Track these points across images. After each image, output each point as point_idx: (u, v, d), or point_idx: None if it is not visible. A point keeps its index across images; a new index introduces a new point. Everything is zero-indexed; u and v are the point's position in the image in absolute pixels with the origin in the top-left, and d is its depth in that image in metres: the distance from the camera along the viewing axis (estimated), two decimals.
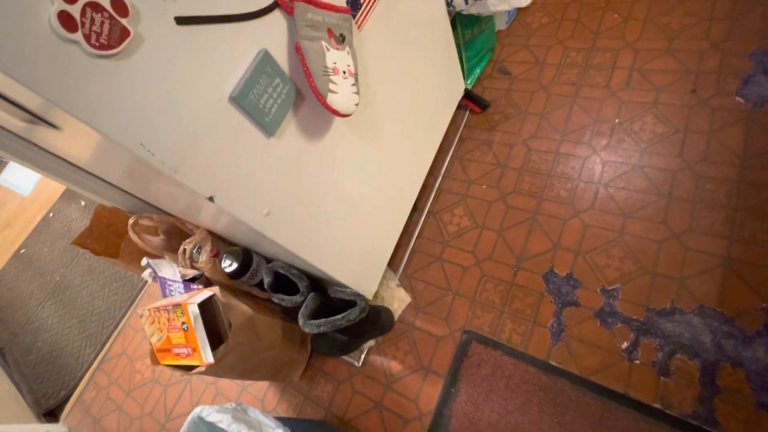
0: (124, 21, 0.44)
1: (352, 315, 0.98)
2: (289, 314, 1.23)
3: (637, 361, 0.97)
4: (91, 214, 1.22)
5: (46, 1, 0.39)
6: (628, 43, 1.41)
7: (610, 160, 1.23)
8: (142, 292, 1.80)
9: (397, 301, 1.26)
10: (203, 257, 1.11)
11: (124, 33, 0.45)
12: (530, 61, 1.53)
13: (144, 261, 1.20)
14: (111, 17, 0.43)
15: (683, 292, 1.00)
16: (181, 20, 0.50)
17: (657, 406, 0.91)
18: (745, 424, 0.85)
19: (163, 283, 1.09)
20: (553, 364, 1.03)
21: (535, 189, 1.28)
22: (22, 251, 2.25)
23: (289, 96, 0.68)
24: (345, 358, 1.25)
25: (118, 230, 1.31)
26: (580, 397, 0.97)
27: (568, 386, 1.00)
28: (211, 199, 0.61)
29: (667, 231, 1.08)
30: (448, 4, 1.17)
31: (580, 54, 1.46)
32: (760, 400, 0.85)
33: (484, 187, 1.35)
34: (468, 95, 1.47)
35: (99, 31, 0.42)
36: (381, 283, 1.25)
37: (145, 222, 1.14)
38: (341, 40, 0.71)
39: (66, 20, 0.40)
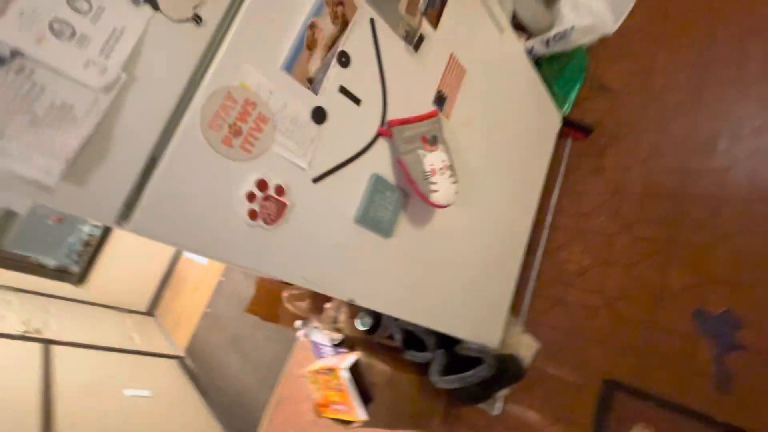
0: (283, 198, 0.62)
1: (481, 372, 1.03)
2: (422, 366, 1.34)
3: None
4: (251, 279, 1.55)
5: (240, 205, 0.58)
6: (754, 28, 1.20)
7: (761, 168, 1.06)
8: (296, 345, 2.13)
9: (524, 347, 1.26)
10: (342, 318, 1.30)
11: (284, 206, 0.62)
12: (633, 70, 1.41)
13: (298, 326, 1.45)
14: (276, 200, 0.61)
15: None
16: (316, 179, 0.67)
17: None
18: None
19: (315, 346, 1.31)
20: (719, 420, 0.91)
21: (665, 214, 1.16)
22: (208, 311, 2.87)
23: (399, 201, 0.81)
24: (480, 405, 1.29)
25: (275, 297, 1.61)
26: None
27: None
28: (351, 301, 0.75)
29: None
30: (529, 52, 1.18)
31: (690, 52, 1.30)
32: None
33: (602, 218, 1.28)
34: (567, 123, 1.43)
35: (270, 212, 0.60)
36: (505, 330, 1.27)
37: (295, 291, 1.40)
38: (434, 141, 0.82)
39: (251, 214, 0.59)
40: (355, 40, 0.70)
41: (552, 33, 1.12)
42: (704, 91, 1.23)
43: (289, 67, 0.62)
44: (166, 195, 0.51)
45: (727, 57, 1.23)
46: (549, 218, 1.40)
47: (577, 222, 1.33)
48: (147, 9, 0.48)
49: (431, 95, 0.87)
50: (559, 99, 1.43)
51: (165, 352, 3.00)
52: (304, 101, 0.64)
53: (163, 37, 0.50)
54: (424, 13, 0.82)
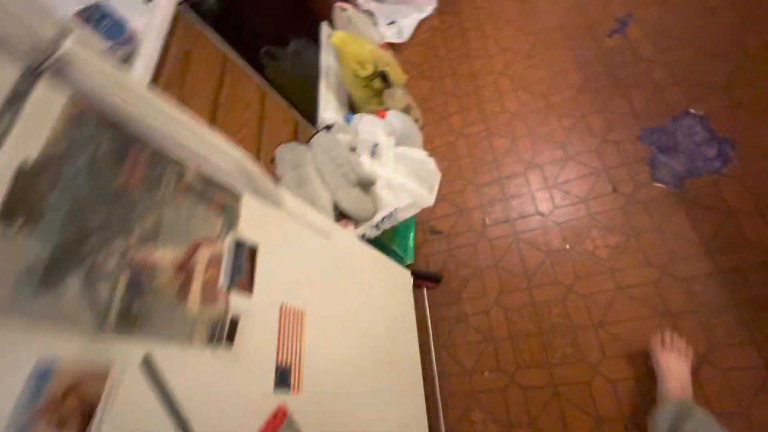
0: None
1: None
2: None
3: None
4: None
5: None
6: (529, 162, 1.44)
7: (589, 292, 1.17)
8: None
9: None
10: None
11: None
12: (453, 212, 1.51)
13: None
14: None
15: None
16: None
17: None
18: None
19: None
20: None
21: (538, 355, 1.16)
22: None
23: None
24: None
25: None
26: None
27: None
28: None
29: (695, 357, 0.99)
30: (362, 237, 1.10)
31: (493, 188, 1.47)
32: None
33: (486, 373, 1.21)
34: (416, 275, 1.39)
35: None
36: None
37: None
38: None
39: None
40: (120, 414, 0.42)
41: (378, 217, 1.07)
42: (516, 225, 1.37)
43: None
44: None
45: (519, 191, 1.41)
46: (437, 383, 1.27)
47: (465, 382, 1.23)
48: None
49: (270, 381, 0.63)
50: (401, 253, 1.39)
51: None
52: None
53: None
54: (231, 288, 0.61)
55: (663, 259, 1.11)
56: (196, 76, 1.13)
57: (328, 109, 1.77)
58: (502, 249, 1.35)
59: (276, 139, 1.38)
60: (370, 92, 1.78)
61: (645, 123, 1.30)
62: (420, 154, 1.12)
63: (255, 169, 0.72)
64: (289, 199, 0.83)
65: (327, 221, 0.96)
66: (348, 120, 1.60)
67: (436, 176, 1.13)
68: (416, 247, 1.51)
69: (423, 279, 1.40)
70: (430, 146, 1.70)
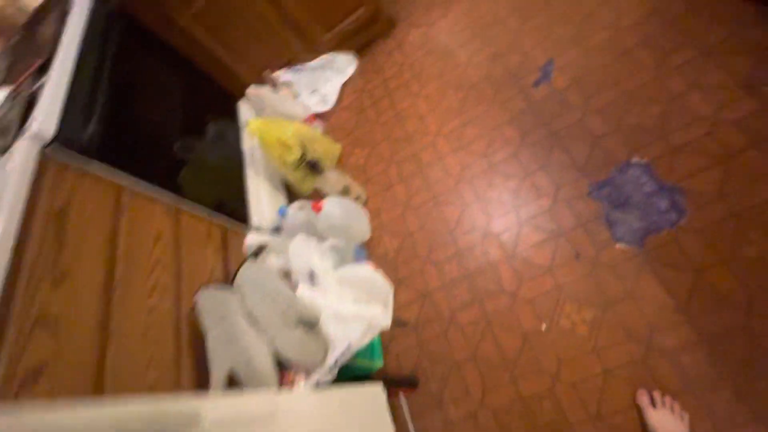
0: None
1: None
2: None
3: None
4: None
5: None
6: (484, 231, 1.35)
7: (578, 379, 1.06)
8: None
9: None
10: None
11: None
12: (415, 297, 1.38)
13: None
14: None
15: None
16: None
17: None
18: None
19: None
20: None
21: None
22: None
23: None
24: None
25: None
26: None
27: None
28: None
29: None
30: (317, 385, 0.93)
31: (452, 264, 1.35)
32: None
33: None
34: (390, 383, 1.23)
35: None
36: None
37: None
38: None
39: None
40: None
41: (331, 359, 0.91)
42: (485, 305, 1.26)
43: None
44: None
45: (483, 268, 1.31)
46: None
47: None
48: None
49: None
50: (368, 364, 1.23)
51: None
52: None
53: None
54: None
55: (644, 330, 1.03)
56: (79, 232, 0.93)
57: (259, 200, 1.60)
58: (476, 337, 1.23)
59: (201, 266, 1.19)
60: (303, 173, 1.64)
61: (591, 177, 1.25)
62: (366, 271, 0.98)
63: (148, 410, 0.54)
64: (212, 409, 0.65)
65: (266, 398, 0.79)
66: (282, 214, 1.44)
67: (389, 290, 0.99)
68: (384, 346, 1.36)
69: (398, 386, 1.25)
70: (377, 222, 1.58)
